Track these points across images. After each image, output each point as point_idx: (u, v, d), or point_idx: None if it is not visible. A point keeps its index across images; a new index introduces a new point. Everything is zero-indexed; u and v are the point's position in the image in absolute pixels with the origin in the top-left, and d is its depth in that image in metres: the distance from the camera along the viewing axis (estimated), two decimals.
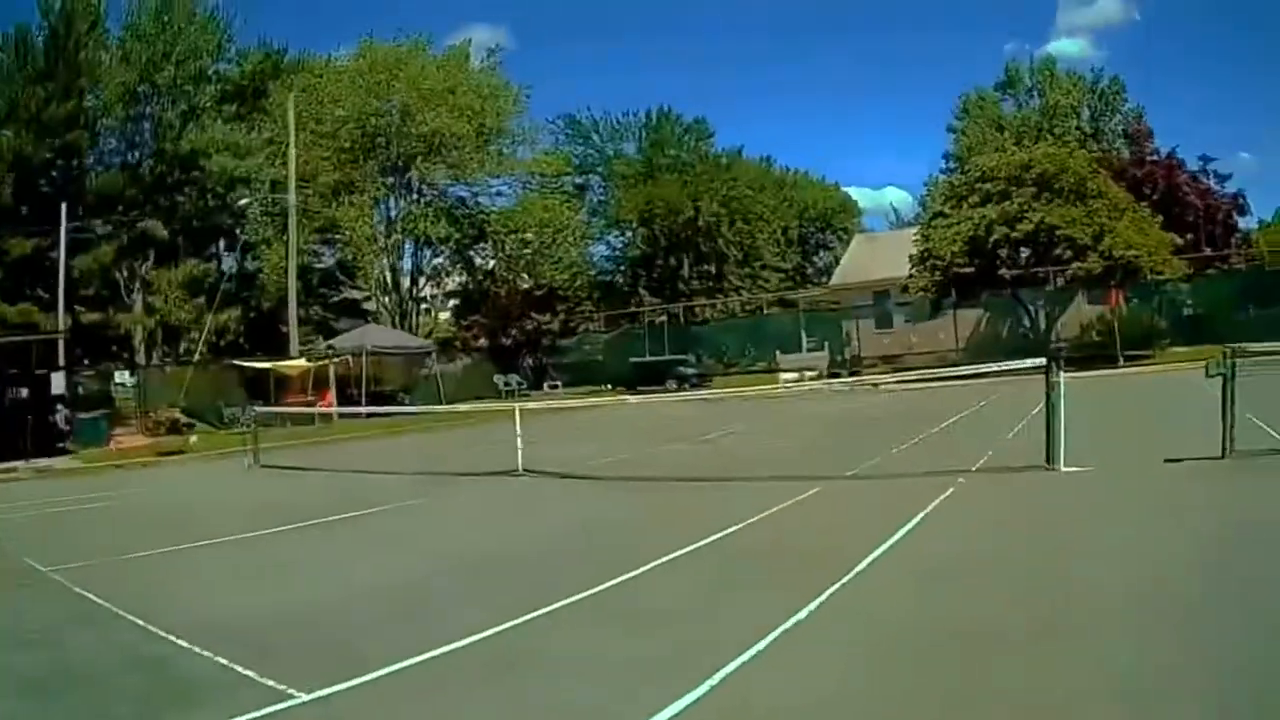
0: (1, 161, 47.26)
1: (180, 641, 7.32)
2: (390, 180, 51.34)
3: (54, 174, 50.75)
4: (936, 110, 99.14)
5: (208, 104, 52.01)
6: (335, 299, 55.34)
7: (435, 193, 53.47)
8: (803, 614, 6.83)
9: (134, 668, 6.90)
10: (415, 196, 52.50)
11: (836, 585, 7.54)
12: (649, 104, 72.94)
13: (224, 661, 6.74)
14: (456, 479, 17.43)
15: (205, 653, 6.97)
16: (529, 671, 6.23)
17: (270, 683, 6.19)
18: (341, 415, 31.55)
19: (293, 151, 40.96)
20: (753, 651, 6.09)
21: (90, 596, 9.25)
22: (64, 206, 43.14)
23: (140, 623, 8.02)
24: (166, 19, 50.71)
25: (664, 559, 9.07)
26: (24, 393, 28.90)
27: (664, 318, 57.18)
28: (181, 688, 6.40)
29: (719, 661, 5.88)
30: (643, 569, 8.73)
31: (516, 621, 7.24)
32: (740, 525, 10.49)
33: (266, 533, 12.91)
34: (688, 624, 7.05)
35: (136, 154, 53.05)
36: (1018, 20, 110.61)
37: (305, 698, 5.90)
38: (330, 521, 13.51)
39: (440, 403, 32.65)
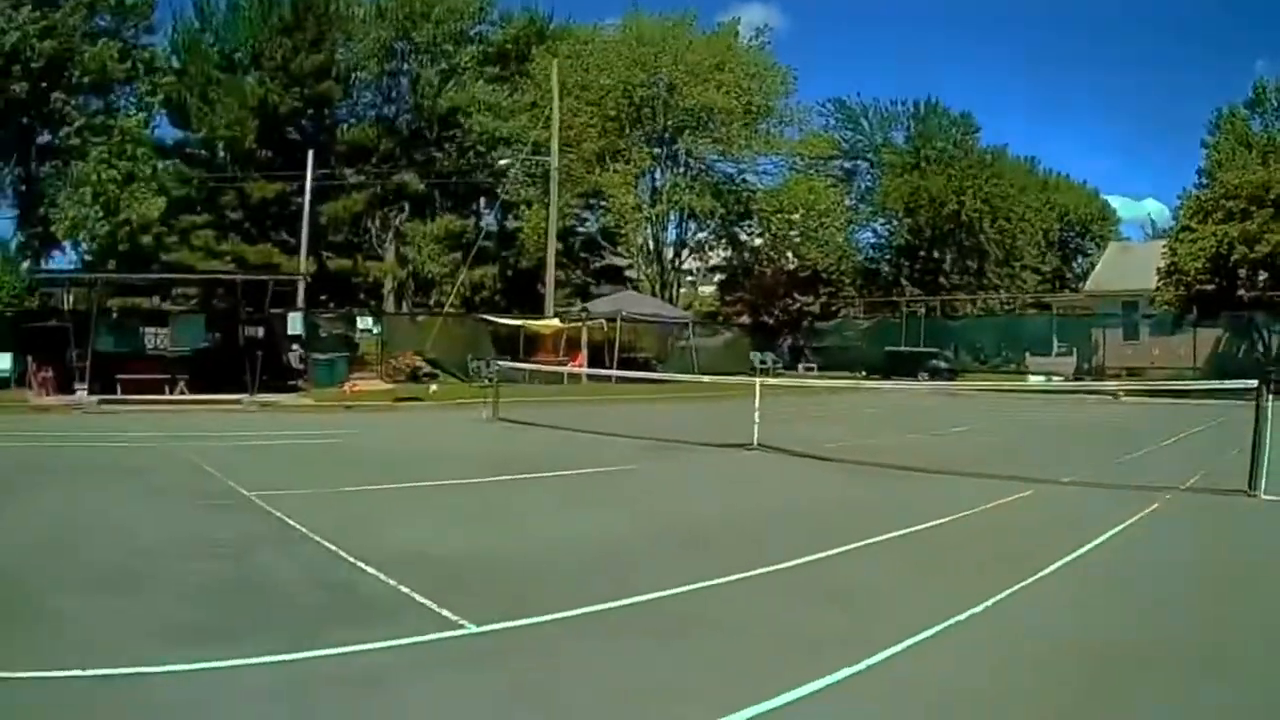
0: (245, 108, 50.58)
1: (368, 568, 8.09)
2: (657, 151, 52.65)
3: (302, 123, 54.26)
4: (1197, 124, 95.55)
5: (468, 64, 54.21)
6: (597, 264, 57.45)
7: (701, 166, 54.62)
8: (978, 608, 7.10)
9: (316, 586, 7.73)
10: (681, 169, 53.70)
11: (1018, 586, 7.80)
12: (915, 94, 73.63)
13: (406, 590, 7.42)
14: (690, 447, 18.11)
15: (389, 580, 7.70)
16: (701, 631, 6.65)
17: (445, 612, 6.82)
18: (590, 377, 32.67)
19: (556, 115, 42.57)
20: (919, 637, 6.38)
21: (288, 521, 10.19)
22: (311, 154, 46.29)
23: (332, 547, 8.87)
24: None
25: (866, 541, 9.49)
26: (259, 331, 31.01)
27: (922, 310, 57.02)
28: (358, 608, 7.16)
29: (885, 642, 6.21)
30: (843, 548, 9.16)
31: (705, 584, 7.74)
32: (948, 519, 10.86)
33: (483, 480, 13.77)
34: (868, 604, 7.43)
35: (392, 108, 56.36)
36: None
37: (474, 629, 6.51)
38: (551, 476, 14.32)
39: (693, 373, 33.30)
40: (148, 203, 37.53)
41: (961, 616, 6.87)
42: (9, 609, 6.92)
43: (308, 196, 46.09)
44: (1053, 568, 8.44)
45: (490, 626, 6.53)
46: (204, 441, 18.09)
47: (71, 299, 32.43)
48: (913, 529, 10.16)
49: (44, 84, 35.65)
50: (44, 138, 38.93)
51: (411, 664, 5.94)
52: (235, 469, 14.04)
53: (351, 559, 8.40)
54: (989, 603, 7.25)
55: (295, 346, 32.59)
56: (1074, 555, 8.96)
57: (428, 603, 7.06)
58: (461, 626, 6.52)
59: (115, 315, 34.91)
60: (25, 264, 43.34)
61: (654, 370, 36.07)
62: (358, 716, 5.15)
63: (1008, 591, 7.59)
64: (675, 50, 50.07)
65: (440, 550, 8.96)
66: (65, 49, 35.10)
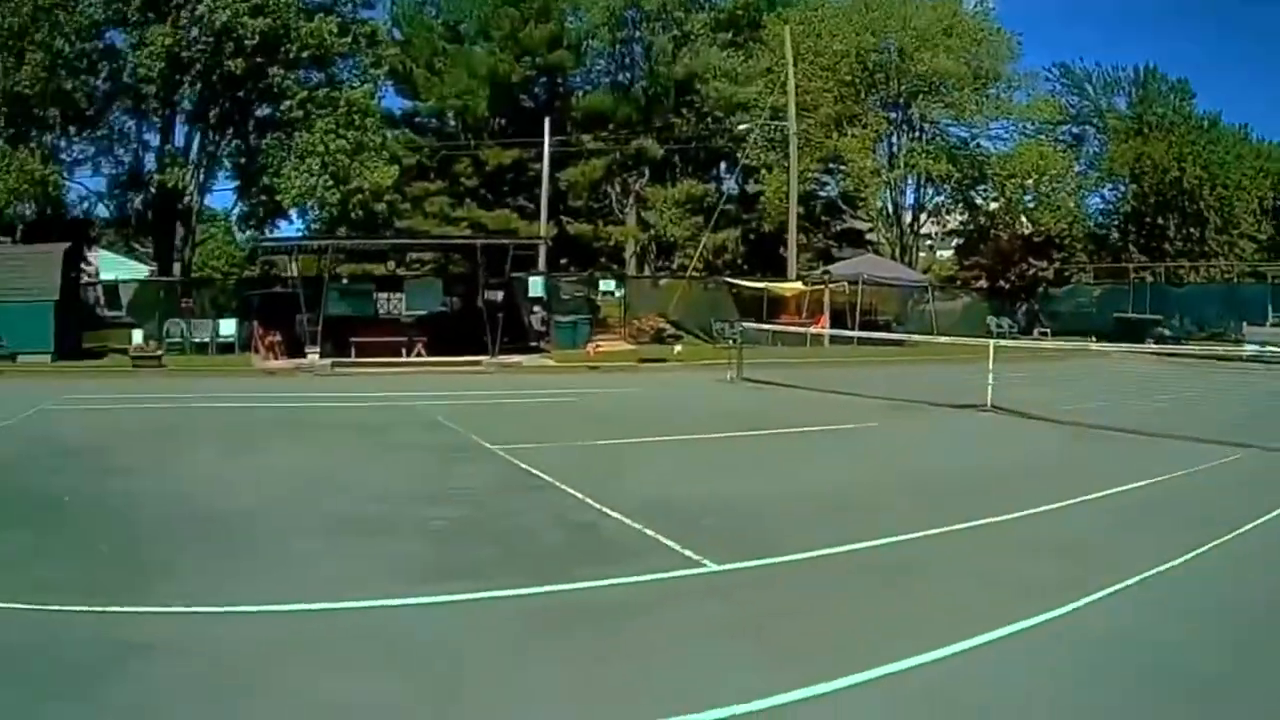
0: (476, 78, 52.94)
1: (612, 513, 8.71)
2: (892, 115, 52.96)
3: (535, 90, 56.75)
4: None
5: (701, 31, 55.22)
6: (838, 228, 58.18)
7: (936, 131, 54.90)
8: (1177, 561, 7.48)
9: (561, 528, 8.35)
10: (916, 134, 53.88)
11: (1215, 542, 8.12)
12: (1134, 60, 73.47)
13: (650, 532, 8.01)
14: (926, 408, 18.52)
15: (634, 524, 8.29)
16: (921, 576, 7.18)
17: (687, 552, 7.38)
18: (832, 339, 32.81)
19: (791, 82, 43.45)
20: (1114, 589, 6.72)
21: (531, 470, 10.88)
22: (547, 121, 48.31)
23: (577, 494, 9.51)
24: None
25: (1081, 499, 9.81)
26: (499, 294, 31.97)
27: (1149, 276, 55.49)
28: (603, 548, 7.76)
29: (1084, 592, 6.57)
30: (1058, 504, 9.46)
31: (930, 532, 8.27)
32: (1160, 478, 11.13)
33: (726, 435, 14.43)
34: (1073, 557, 7.70)
35: (627, 75, 57.83)
36: None
37: (713, 567, 7.06)
38: (793, 432, 14.91)
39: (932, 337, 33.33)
40: (379, 171, 39.18)
41: (1163, 567, 7.24)
42: (260, 550, 7.68)
43: (546, 162, 47.97)
44: (1246, 528, 8.64)
45: (729, 565, 7.07)
46: (444, 400, 19.01)
47: (298, 266, 34.33)
48: (1126, 487, 10.45)
49: (259, 59, 37.33)
50: (263, 110, 40.80)
51: (656, 597, 6.44)
52: (477, 424, 14.83)
53: (596, 504, 9.00)
54: (1188, 556, 7.57)
55: (537, 309, 33.78)
56: (1267, 518, 9.08)
57: (671, 543, 7.59)
58: (702, 565, 7.04)
59: (347, 280, 37.17)
60: (247, 233, 46.84)
61: (893, 333, 36.17)
62: (606, 642, 5.61)
63: (1206, 547, 7.90)
64: (903, 15, 50.28)
65: (683, 498, 9.46)
66: (280, 25, 36.76)
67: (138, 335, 31.04)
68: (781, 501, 9.63)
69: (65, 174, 40.57)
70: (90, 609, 6.01)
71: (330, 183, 36.67)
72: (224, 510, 9.09)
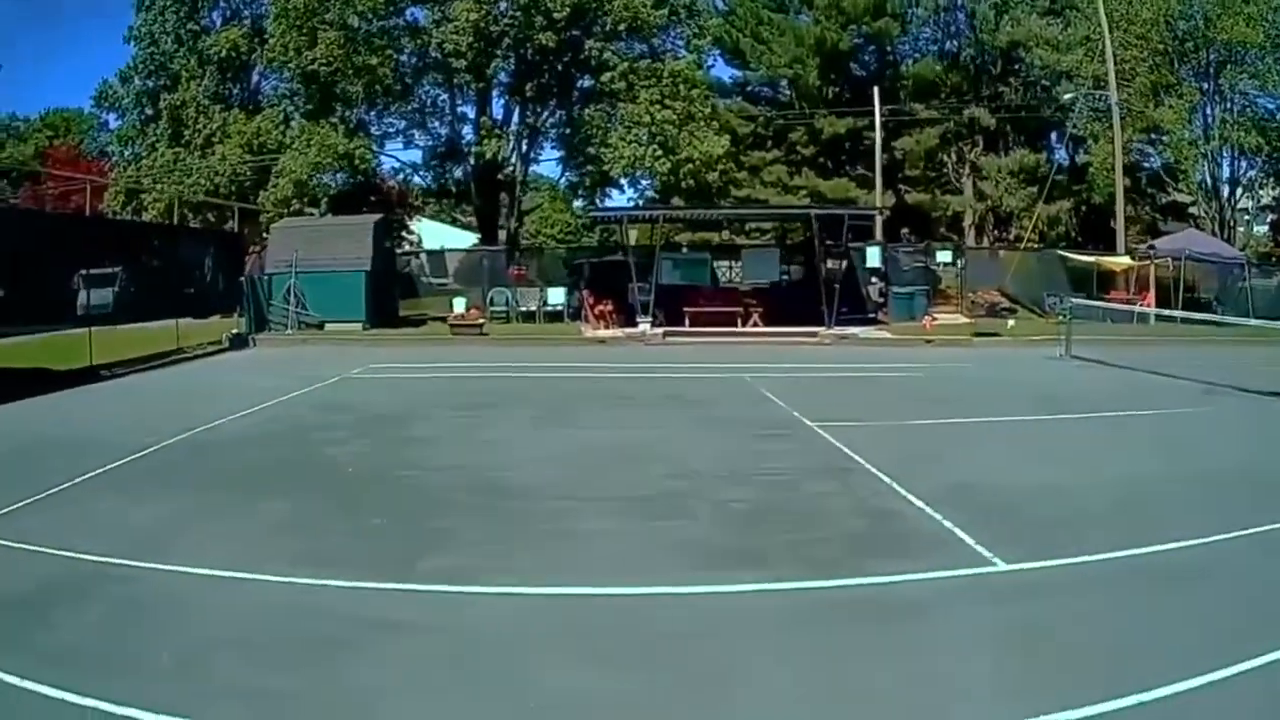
0: (804, 46, 52.90)
1: (915, 500, 8.57)
2: (1204, 86, 49.56)
3: (864, 58, 56.48)
4: None
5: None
6: (1163, 200, 55.57)
7: (1245, 102, 50.95)
8: None
9: (860, 516, 8.24)
10: (1227, 104, 50.17)
11: None
12: None
13: (947, 524, 7.82)
14: (1245, 395, 16.87)
15: (934, 513, 8.13)
16: (1206, 585, 6.58)
17: (980, 548, 7.17)
18: (1157, 317, 31.87)
19: (1109, 48, 42.06)
20: None
21: (845, 451, 10.83)
22: (877, 90, 47.90)
23: (885, 479, 9.39)
24: None
25: None
26: (836, 265, 32.30)
27: None
28: (896, 539, 7.60)
29: None
30: None
31: (1223, 537, 7.55)
32: None
33: (1044, 418, 13.89)
34: None
35: (954, 44, 56.73)
36: None
37: (1003, 567, 6.82)
38: (1107, 416, 14.17)
39: (1250, 317, 31.44)
40: (709, 141, 39.60)
41: None
42: (542, 528, 7.88)
43: (878, 132, 47.58)
44: None
45: (1020, 565, 6.80)
46: (773, 373, 19.22)
47: (633, 235, 34.99)
48: None
49: (573, 32, 38.43)
50: (584, 82, 41.76)
51: (936, 597, 6.26)
52: (802, 400, 14.90)
53: (901, 490, 8.89)
54: None
55: (874, 280, 33.95)
56: None
57: (966, 537, 7.41)
58: (991, 564, 6.82)
59: (686, 249, 37.99)
60: (576, 203, 48.45)
61: (1215, 312, 34.05)
62: (872, 647, 5.45)
63: None
64: None
65: (989, 486, 9.20)
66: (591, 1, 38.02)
67: (459, 303, 32.37)
68: (1079, 492, 9.19)
69: (375, 147, 42.88)
70: (344, 583, 6.38)
71: (659, 152, 37.44)
72: (517, 484, 9.43)
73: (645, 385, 18.10)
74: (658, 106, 37.35)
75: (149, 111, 47.62)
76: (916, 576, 6.58)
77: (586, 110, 40.12)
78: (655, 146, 37.32)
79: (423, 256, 43.18)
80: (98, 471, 10.12)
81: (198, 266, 28.12)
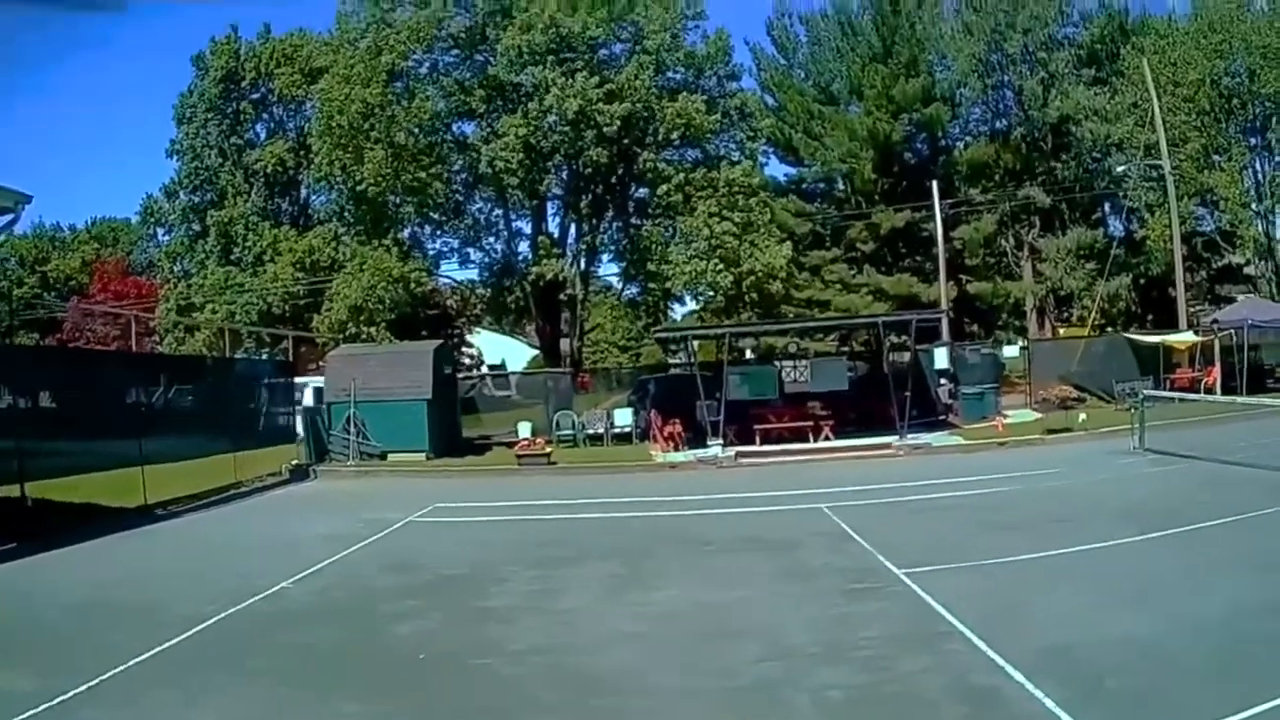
0: (856, 139, 53.59)
1: (1014, 672, 8.17)
2: (1253, 142, 49.30)
3: (917, 146, 57.18)
4: None
5: (1065, 70, 54.32)
6: (1218, 264, 55.48)
7: None
8: None
9: (958, 697, 7.87)
10: (1276, 159, 49.79)
11: None
12: None
13: (1050, 704, 7.41)
14: None
15: (1034, 689, 7.73)
16: None
17: None
18: (1225, 390, 31.88)
19: (1159, 116, 42.23)
20: None
21: (936, 609, 10.48)
22: (935, 185, 47.80)
23: (979, 644, 9.03)
24: None
25: None
26: (904, 366, 31.91)
27: None
28: None
29: None
30: None
31: None
32: None
33: (1133, 540, 13.40)
34: None
35: (1004, 122, 57.63)
36: None
37: None
38: (1191, 531, 13.71)
39: None
40: (770, 250, 39.89)
41: None
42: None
43: (939, 228, 47.58)
44: None
45: None
46: (851, 500, 18.99)
47: (696, 346, 34.68)
48: None
49: (626, 142, 39.09)
50: (640, 193, 42.64)
51: None
52: (885, 537, 14.65)
53: (998, 659, 8.51)
54: None
55: (943, 381, 33.94)
56: None
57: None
58: None
59: (752, 357, 37.85)
60: (640, 322, 48.69)
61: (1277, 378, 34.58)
62: None
63: None
64: (1244, 35, 46.85)
65: (1088, 643, 8.81)
66: (641, 109, 38.35)
67: (524, 428, 32.16)
68: (1187, 640, 8.75)
69: (431, 267, 43.50)
70: None
71: (720, 266, 37.62)
72: (601, 673, 9.07)
73: (722, 524, 17.80)
74: (715, 219, 37.54)
75: (196, 227, 48.78)
76: None
77: (644, 227, 40.42)
78: (716, 260, 37.40)
79: (488, 380, 43.25)
80: (154, 652, 10.03)
81: (253, 394, 28.32)
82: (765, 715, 7.85)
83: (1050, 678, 7.89)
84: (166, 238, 55.20)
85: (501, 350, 55.19)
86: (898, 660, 8.97)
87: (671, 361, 45.92)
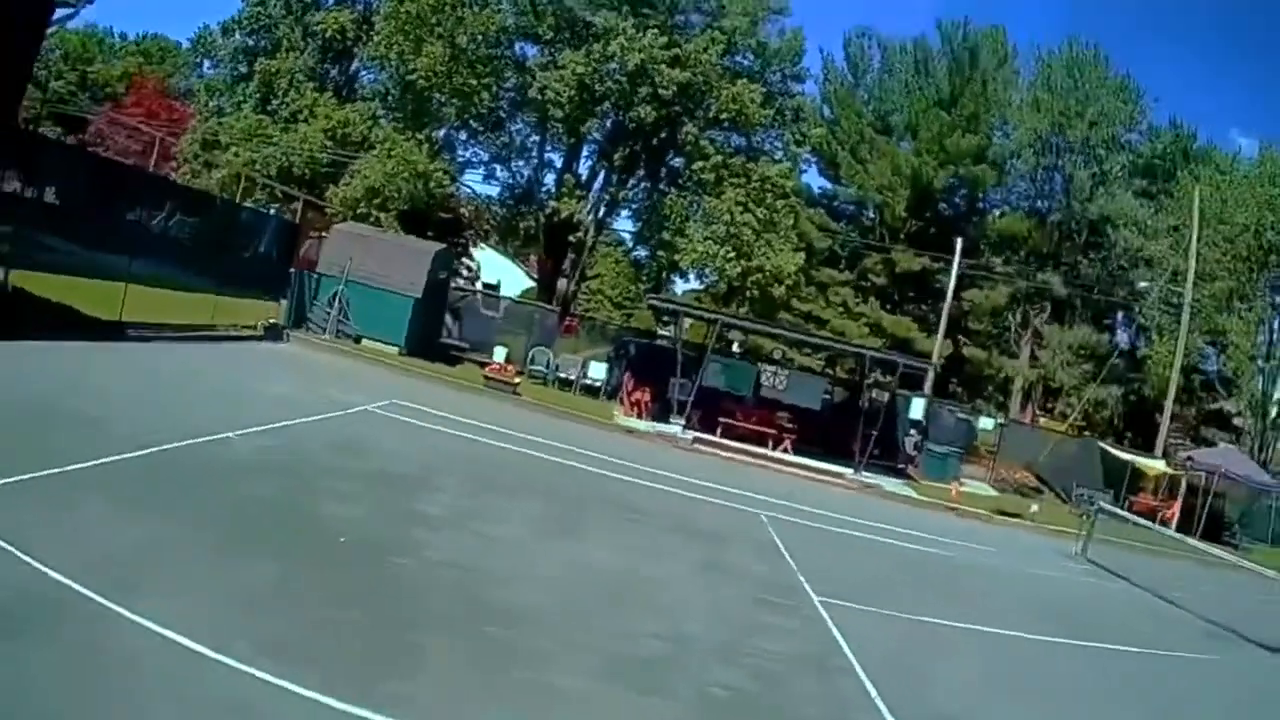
0: (899, 175, 53.74)
1: None
2: (1276, 300, 49.61)
3: (956, 200, 57.18)
4: None
5: (1119, 173, 54.82)
6: (1210, 406, 55.59)
7: None
8: None
9: None
10: None
11: None
12: None
13: None
14: (1246, 645, 16.56)
15: None
16: None
17: None
18: (1178, 528, 31.14)
19: (1194, 247, 42.36)
20: None
21: (840, 643, 10.65)
22: (959, 242, 47.71)
23: (870, 690, 9.16)
24: (1078, 76, 55.06)
25: None
26: (879, 404, 31.85)
27: None
28: None
29: None
30: None
31: None
32: None
33: (1056, 641, 13.54)
34: None
35: (1045, 204, 57.52)
36: None
37: None
38: (1112, 650, 13.79)
39: (1268, 541, 33.18)
40: (783, 255, 39.66)
41: None
42: (518, 675, 7.64)
43: (952, 284, 47.64)
44: None
45: None
46: (791, 516, 19.12)
47: (687, 324, 34.48)
48: None
49: (675, 109, 38.64)
50: (676, 161, 42.19)
51: None
52: (812, 560, 14.80)
53: (884, 712, 8.65)
54: None
55: (913, 432, 33.80)
56: None
57: None
58: None
59: (738, 351, 37.90)
60: (641, 285, 48.71)
61: (1235, 531, 34.82)
62: None
63: None
64: None
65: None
66: (701, 81, 37.97)
67: (499, 353, 32.21)
68: None
69: (455, 174, 43.00)
70: (301, 691, 6.33)
71: (731, 254, 37.54)
72: (507, 607, 9.19)
73: (661, 501, 17.87)
74: (740, 208, 37.42)
75: (243, 69, 48.12)
76: None
77: (670, 195, 40.18)
78: (729, 248, 37.33)
79: (478, 297, 43.09)
80: (91, 464, 10.03)
81: (251, 244, 27.84)
82: (648, 691, 7.96)
83: None
84: (211, 71, 54.64)
85: (500, 272, 55.02)
86: (787, 678, 9.12)
87: (660, 332, 45.95)
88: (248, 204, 39.68)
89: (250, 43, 48.48)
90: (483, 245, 55.22)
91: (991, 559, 20.59)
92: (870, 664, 9.89)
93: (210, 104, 49.88)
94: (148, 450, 11.15)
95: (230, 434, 13.19)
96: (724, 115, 38.54)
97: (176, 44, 77.02)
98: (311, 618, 7.77)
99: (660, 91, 37.01)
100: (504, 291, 48.88)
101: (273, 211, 41.67)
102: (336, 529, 10.29)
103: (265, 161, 42.02)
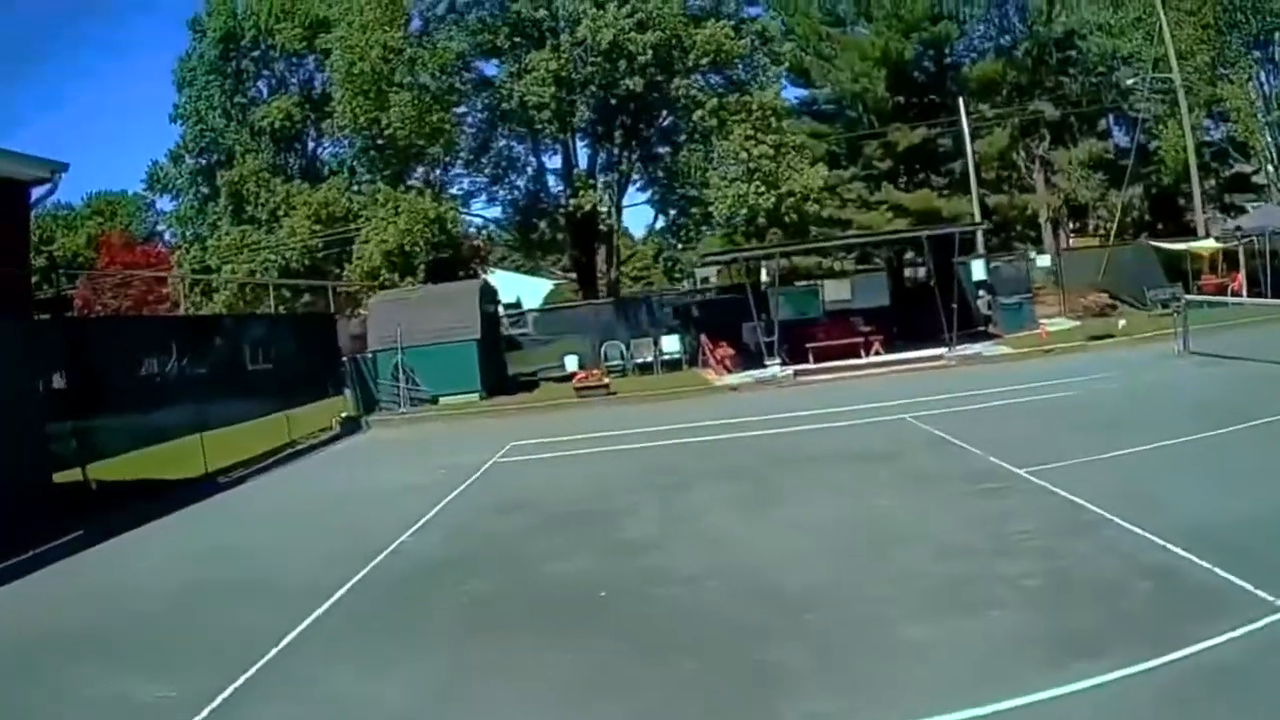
0: (869, 59, 53.78)
1: (1176, 549, 8.52)
2: (1257, 54, 49.41)
3: (925, 65, 57.01)
4: None
5: None
6: (1227, 173, 55.40)
7: None
8: None
9: (1139, 573, 8.19)
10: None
11: None
12: None
13: (1220, 571, 7.83)
14: None
15: (1200, 561, 8.12)
16: None
17: (1261, 593, 7.24)
18: (1252, 296, 31.62)
19: (1167, 30, 42.74)
20: None
21: (1074, 499, 10.76)
22: (962, 101, 48.20)
23: (1132, 527, 9.36)
24: None
25: None
26: (944, 282, 31.91)
27: None
28: (1189, 596, 7.55)
29: None
30: None
31: None
32: None
33: (1215, 434, 13.66)
34: None
35: (1009, 38, 57.31)
36: None
37: None
38: (1272, 423, 13.89)
39: None
40: (808, 172, 39.74)
41: None
42: (864, 643, 7.51)
43: (967, 139, 47.74)
44: None
45: None
46: (930, 409, 19.18)
47: (728, 274, 34.49)
48: None
49: (653, 70, 38.05)
50: (668, 121, 41.99)
51: (1258, 656, 6.28)
52: (983, 440, 14.81)
53: (1158, 540, 8.80)
54: None
55: (981, 293, 34.32)
56: None
57: (1242, 583, 7.47)
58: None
59: (767, 279, 38.23)
60: (679, 247, 48.97)
61: None
62: None
63: None
64: None
65: (1223, 523, 9.09)
66: (670, 37, 37.66)
67: (570, 361, 32.68)
68: None
69: (462, 206, 43.17)
70: None
71: (761, 188, 37.52)
72: (792, 591, 8.89)
73: (818, 439, 17.94)
74: (751, 141, 37.46)
75: (205, 190, 48.46)
76: (1233, 635, 6.57)
77: (682, 153, 40.28)
78: (758, 182, 37.44)
79: (529, 317, 43.47)
80: (299, 630, 9.21)
81: (291, 349, 27.58)
82: (978, 608, 7.92)
83: (1209, 552, 8.21)
84: (171, 205, 54.95)
85: (516, 288, 55.34)
86: (1066, 548, 9.21)
87: (682, 287, 46.23)
88: (280, 312, 39.83)
89: (203, 162, 48.86)
90: (493, 270, 55.61)
91: (1114, 383, 20.66)
92: (1112, 508, 10.05)
93: (187, 234, 50.12)
94: (339, 592, 10.46)
95: (400, 540, 12.66)
96: (703, 60, 38.51)
97: (122, 192, 78.46)
98: (652, 682, 7.28)
99: (639, 59, 37.00)
100: (526, 304, 49.07)
101: (297, 310, 41.89)
102: (581, 586, 9.82)
103: (262, 268, 42.23)
